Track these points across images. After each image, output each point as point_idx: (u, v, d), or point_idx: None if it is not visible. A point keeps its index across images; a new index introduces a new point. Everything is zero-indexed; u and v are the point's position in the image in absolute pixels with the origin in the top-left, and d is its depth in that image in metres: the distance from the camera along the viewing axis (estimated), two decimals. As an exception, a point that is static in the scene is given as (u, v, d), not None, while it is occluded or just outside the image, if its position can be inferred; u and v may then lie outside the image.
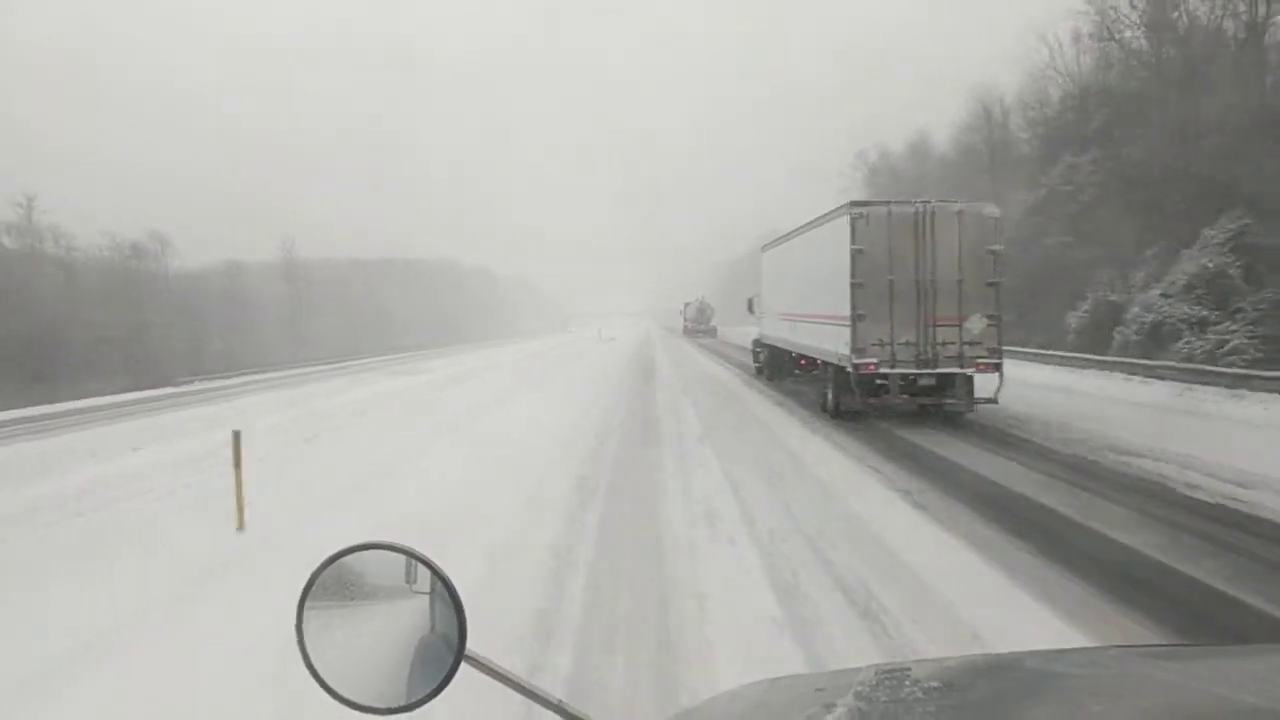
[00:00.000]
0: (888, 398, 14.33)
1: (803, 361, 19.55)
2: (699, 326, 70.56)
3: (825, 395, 16.35)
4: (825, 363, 16.32)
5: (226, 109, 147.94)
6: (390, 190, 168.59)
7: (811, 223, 17.86)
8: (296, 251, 75.37)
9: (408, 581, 1.42)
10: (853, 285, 14.15)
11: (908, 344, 14.02)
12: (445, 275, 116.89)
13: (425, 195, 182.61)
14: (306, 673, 1.32)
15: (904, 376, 14.21)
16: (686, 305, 76.41)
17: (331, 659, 1.34)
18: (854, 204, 14.90)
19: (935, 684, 1.23)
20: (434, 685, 1.34)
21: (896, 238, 14.08)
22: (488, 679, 1.34)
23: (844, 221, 14.48)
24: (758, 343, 26.17)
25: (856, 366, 14.09)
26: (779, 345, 22.17)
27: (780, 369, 22.77)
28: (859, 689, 1.21)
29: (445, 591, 1.38)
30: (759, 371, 25.73)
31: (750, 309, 27.22)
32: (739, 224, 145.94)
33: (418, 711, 1.35)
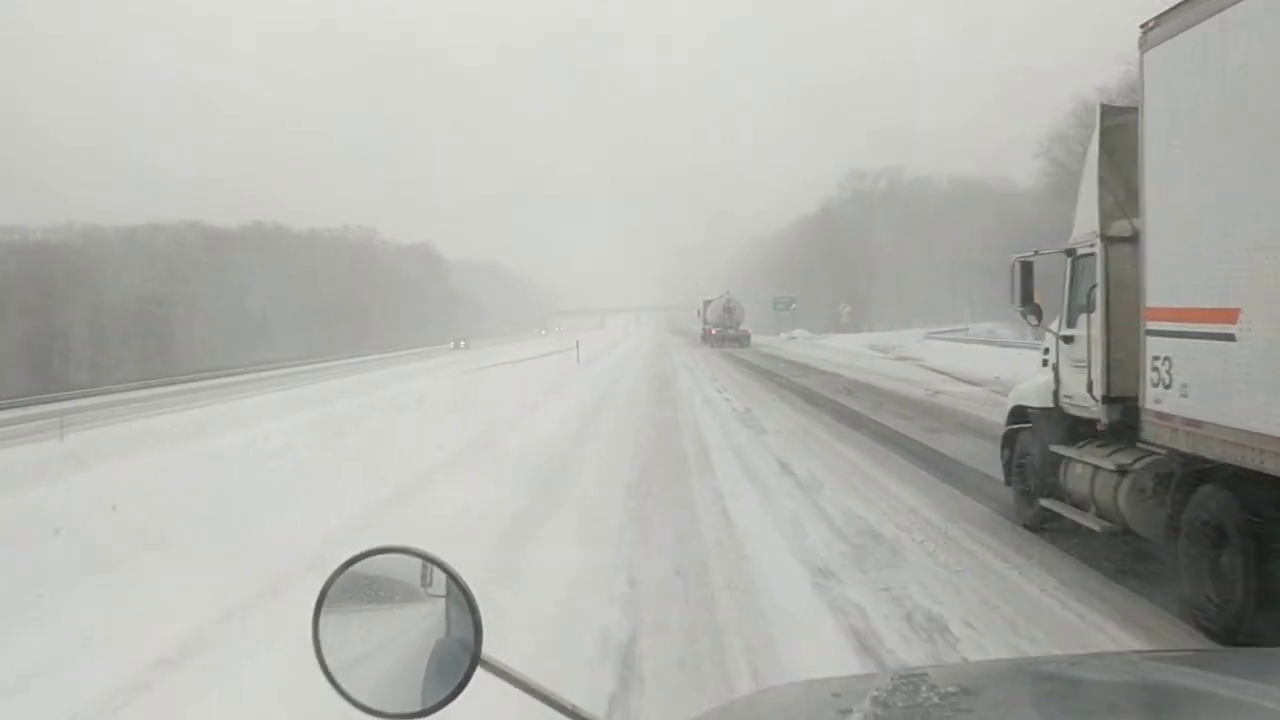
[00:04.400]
0: None
1: None
2: (725, 332, 54.45)
3: None
4: None
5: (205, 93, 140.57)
6: (379, 178, 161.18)
7: None
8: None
9: (423, 585, 1.42)
10: None
11: None
12: (357, 255, 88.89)
13: (417, 184, 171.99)
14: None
15: None
16: (706, 304, 59.38)
17: (348, 664, 1.35)
18: None
19: (952, 689, 1.22)
20: (450, 690, 1.34)
21: None
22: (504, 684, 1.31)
23: None
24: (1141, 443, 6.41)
25: None
26: None
27: None
28: (876, 694, 1.20)
29: (461, 595, 1.39)
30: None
31: (1022, 307, 7.93)
32: (753, 217, 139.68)
33: (433, 716, 1.35)
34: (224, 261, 62.97)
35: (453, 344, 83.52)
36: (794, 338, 61.38)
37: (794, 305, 68.96)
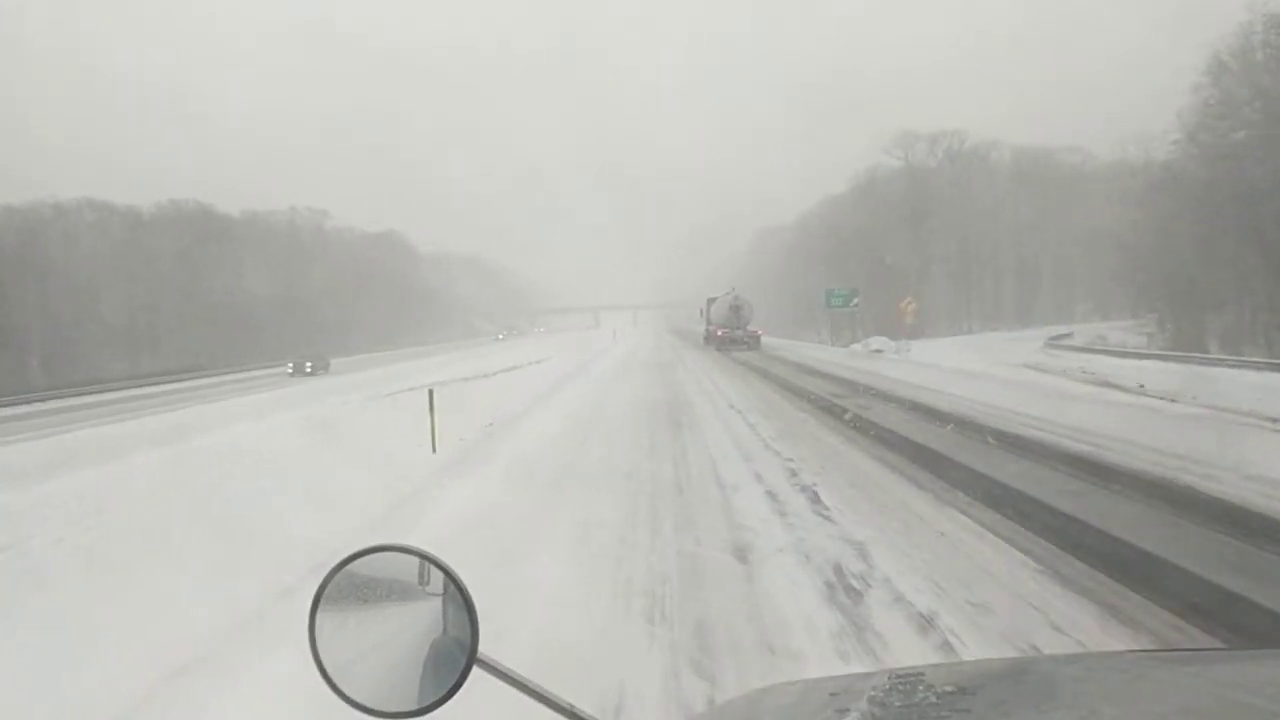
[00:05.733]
0: None
1: None
2: (732, 333, 48.21)
3: None
4: None
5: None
6: (375, 177, 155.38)
7: None
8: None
9: (420, 584, 1.42)
10: None
11: None
12: (299, 243, 74.20)
13: (412, 182, 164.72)
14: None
15: None
16: (710, 302, 53.37)
17: (345, 663, 1.35)
18: None
19: (949, 688, 1.22)
20: (446, 689, 1.34)
21: None
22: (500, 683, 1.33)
23: None
24: None
25: None
26: None
27: None
28: (872, 694, 1.20)
29: (458, 594, 1.39)
30: None
31: None
32: (764, 205, 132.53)
33: (430, 715, 1.35)
34: (125, 251, 51.10)
35: (290, 368, 49.85)
36: (879, 351, 41.11)
37: (855, 301, 52.84)
